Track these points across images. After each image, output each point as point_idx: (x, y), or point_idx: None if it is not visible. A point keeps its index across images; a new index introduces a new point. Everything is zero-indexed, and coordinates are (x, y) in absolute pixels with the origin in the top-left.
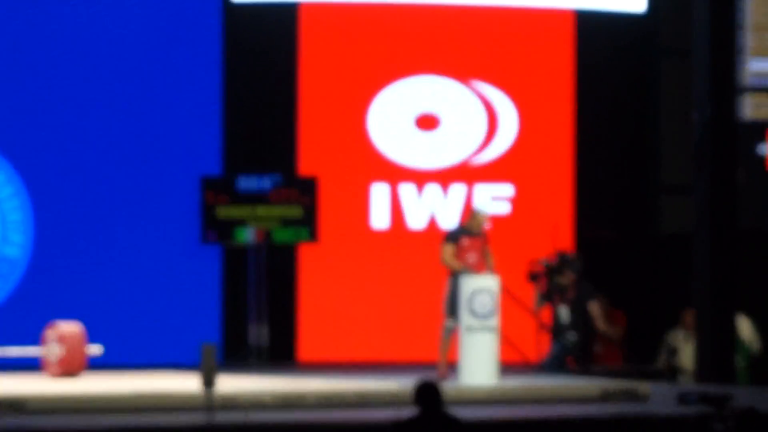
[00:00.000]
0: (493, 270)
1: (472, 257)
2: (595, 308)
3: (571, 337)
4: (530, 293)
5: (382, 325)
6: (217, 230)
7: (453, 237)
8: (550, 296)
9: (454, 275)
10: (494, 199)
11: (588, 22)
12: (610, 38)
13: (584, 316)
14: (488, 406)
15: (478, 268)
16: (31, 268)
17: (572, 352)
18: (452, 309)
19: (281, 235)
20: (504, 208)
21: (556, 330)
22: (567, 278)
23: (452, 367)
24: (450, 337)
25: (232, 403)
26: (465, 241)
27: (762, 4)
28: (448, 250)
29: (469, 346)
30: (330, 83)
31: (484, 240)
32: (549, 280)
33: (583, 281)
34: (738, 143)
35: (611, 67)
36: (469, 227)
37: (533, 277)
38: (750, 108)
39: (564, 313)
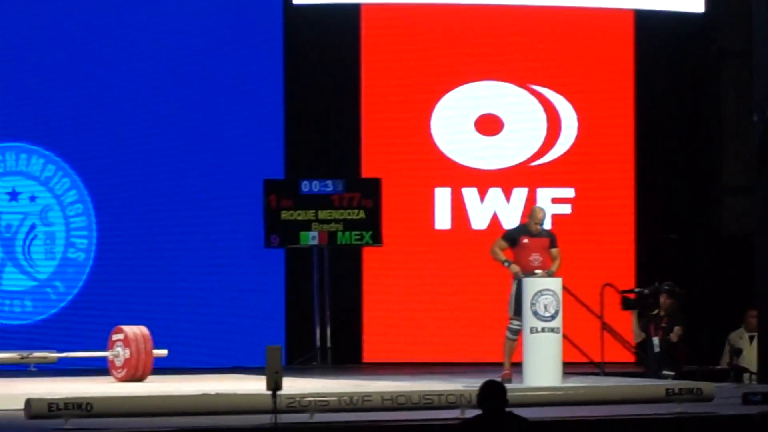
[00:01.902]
0: (554, 272)
1: (536, 258)
2: (677, 331)
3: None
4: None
5: (446, 325)
6: (281, 234)
7: (510, 235)
8: (645, 327)
9: (518, 277)
10: (555, 202)
11: (647, 23)
12: (670, 39)
13: (675, 351)
14: (553, 407)
15: (544, 269)
16: (95, 272)
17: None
18: (517, 310)
19: (345, 238)
20: (565, 210)
21: (652, 362)
22: (664, 305)
23: (517, 368)
24: (515, 338)
25: (296, 405)
26: (525, 240)
27: None
28: (499, 243)
29: (534, 348)
30: (393, 86)
31: (550, 241)
32: (644, 311)
33: (678, 312)
34: None
35: (671, 68)
36: (529, 226)
37: (627, 306)
38: None
39: (657, 344)
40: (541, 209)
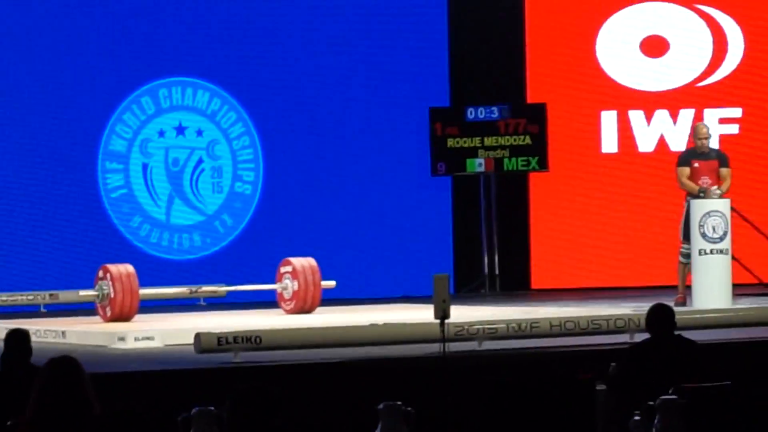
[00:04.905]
0: (724, 192)
1: (705, 181)
2: None
3: None
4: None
5: (615, 250)
6: (447, 161)
7: (683, 159)
8: None
9: (690, 198)
10: (722, 122)
11: None
12: None
13: None
14: (722, 329)
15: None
16: (263, 205)
17: None
18: (686, 234)
19: (511, 164)
20: (733, 130)
21: None
22: None
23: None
24: (687, 261)
25: (465, 333)
26: (696, 164)
27: None
28: (682, 172)
29: (702, 270)
30: (557, 10)
31: (720, 162)
32: None
33: None
34: None
35: None
36: (696, 147)
37: None
38: None
39: None
40: (704, 125)
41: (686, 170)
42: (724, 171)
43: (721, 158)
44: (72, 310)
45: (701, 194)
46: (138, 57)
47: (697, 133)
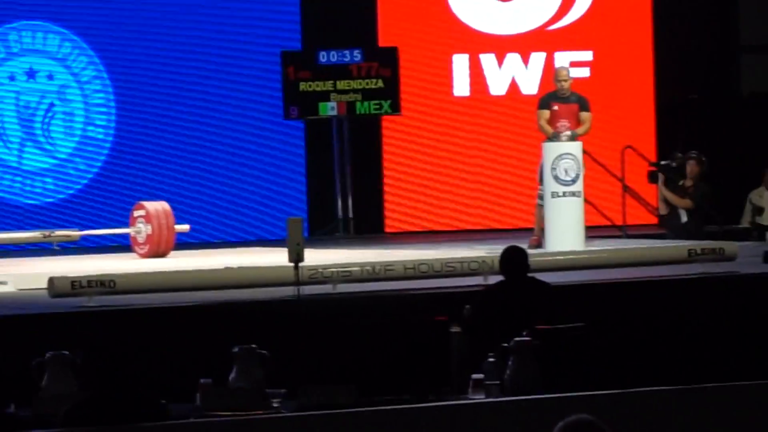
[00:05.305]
0: (580, 135)
1: (564, 125)
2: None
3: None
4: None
5: (468, 193)
6: (300, 105)
7: (543, 102)
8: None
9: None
10: (573, 65)
11: None
12: None
13: (701, 221)
14: (575, 271)
15: None
16: (115, 149)
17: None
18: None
19: (364, 108)
20: (584, 74)
21: (680, 232)
22: (691, 173)
23: None
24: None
25: (319, 276)
26: (555, 107)
27: None
28: (541, 115)
29: (555, 212)
30: None
31: (580, 105)
32: (670, 183)
33: (703, 184)
34: None
35: None
36: (557, 91)
37: (653, 179)
38: None
39: (683, 215)
40: (565, 68)
41: (545, 113)
42: (584, 115)
43: (581, 102)
44: None
45: (554, 138)
46: None
47: (557, 76)
